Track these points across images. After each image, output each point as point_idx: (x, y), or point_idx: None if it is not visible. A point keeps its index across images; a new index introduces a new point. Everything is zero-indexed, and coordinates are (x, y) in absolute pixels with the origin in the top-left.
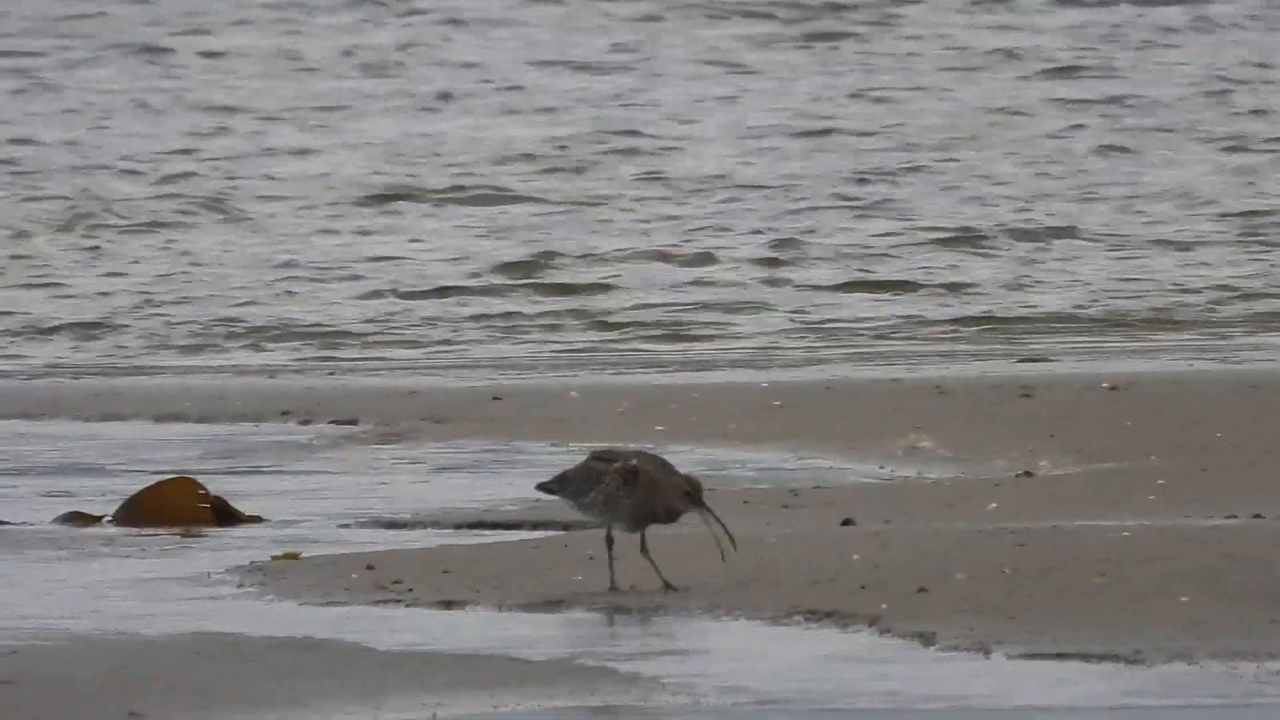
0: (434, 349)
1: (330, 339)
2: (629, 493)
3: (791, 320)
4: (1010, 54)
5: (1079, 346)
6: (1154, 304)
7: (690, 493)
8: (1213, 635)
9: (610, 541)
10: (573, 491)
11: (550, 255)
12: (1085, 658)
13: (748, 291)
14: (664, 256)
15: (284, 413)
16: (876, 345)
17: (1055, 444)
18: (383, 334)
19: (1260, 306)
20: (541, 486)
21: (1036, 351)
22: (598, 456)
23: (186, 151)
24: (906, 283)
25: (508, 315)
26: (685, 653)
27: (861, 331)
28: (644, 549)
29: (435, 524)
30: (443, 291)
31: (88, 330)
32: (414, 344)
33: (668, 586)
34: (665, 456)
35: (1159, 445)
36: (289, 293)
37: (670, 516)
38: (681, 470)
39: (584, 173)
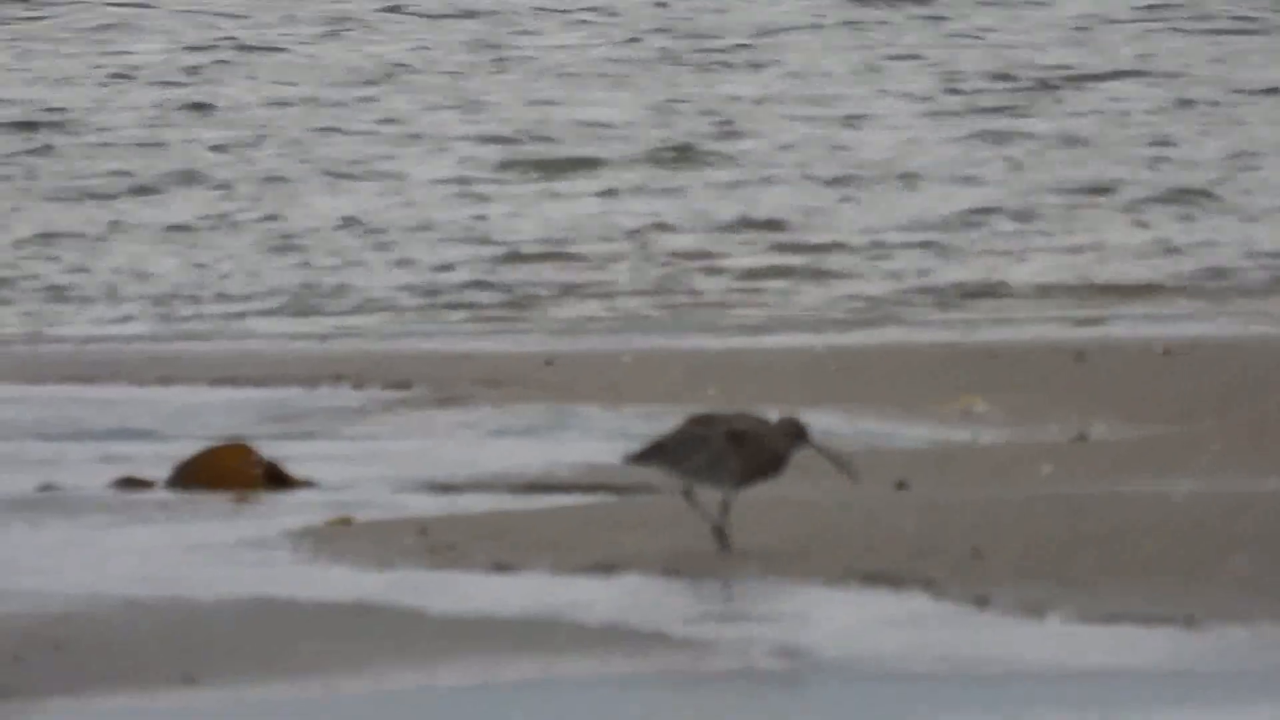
0: (490, 312)
1: (385, 305)
2: (738, 453)
3: (861, 283)
4: (1153, 8)
5: (1134, 311)
6: (1213, 267)
7: (794, 434)
8: (1268, 599)
9: (689, 494)
10: (674, 458)
11: (658, 225)
12: (1140, 621)
13: (821, 258)
14: (774, 226)
15: (337, 377)
16: (933, 310)
17: (1109, 408)
18: (440, 300)
19: None
20: (634, 458)
21: (1091, 316)
22: (695, 421)
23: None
24: (986, 252)
25: (568, 284)
26: (739, 617)
27: (926, 295)
28: (726, 509)
29: (489, 488)
30: (518, 258)
31: (157, 297)
32: (469, 307)
33: (725, 549)
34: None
35: (1213, 409)
36: (364, 260)
37: (778, 468)
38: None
39: (709, 151)
